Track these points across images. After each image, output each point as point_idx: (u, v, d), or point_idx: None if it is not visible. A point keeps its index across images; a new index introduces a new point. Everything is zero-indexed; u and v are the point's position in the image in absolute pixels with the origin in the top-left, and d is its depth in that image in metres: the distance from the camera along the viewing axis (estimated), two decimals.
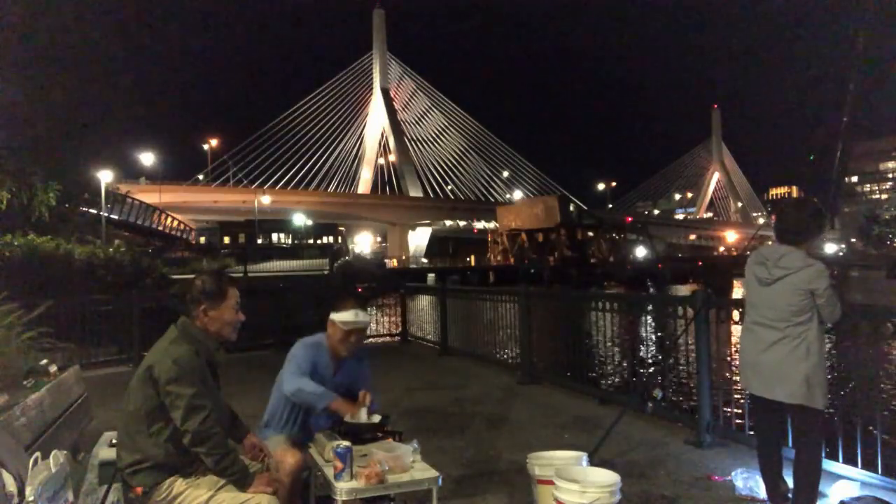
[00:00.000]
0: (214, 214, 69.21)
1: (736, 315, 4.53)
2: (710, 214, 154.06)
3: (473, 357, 8.89)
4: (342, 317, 3.19)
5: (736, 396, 5.07)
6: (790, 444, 3.61)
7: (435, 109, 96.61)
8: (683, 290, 40.48)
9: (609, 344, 6.80)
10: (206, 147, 64.74)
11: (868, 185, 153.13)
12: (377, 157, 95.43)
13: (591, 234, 73.43)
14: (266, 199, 59.66)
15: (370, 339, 11.86)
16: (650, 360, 8.40)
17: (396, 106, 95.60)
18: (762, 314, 3.24)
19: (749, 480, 3.64)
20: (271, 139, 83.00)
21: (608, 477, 2.78)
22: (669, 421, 5.28)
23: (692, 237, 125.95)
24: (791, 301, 3.11)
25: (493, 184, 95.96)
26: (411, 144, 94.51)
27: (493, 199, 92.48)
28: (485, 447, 4.78)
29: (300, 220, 64.52)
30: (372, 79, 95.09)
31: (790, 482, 3.34)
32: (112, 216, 32.12)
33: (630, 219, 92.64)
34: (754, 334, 3.28)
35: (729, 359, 5.29)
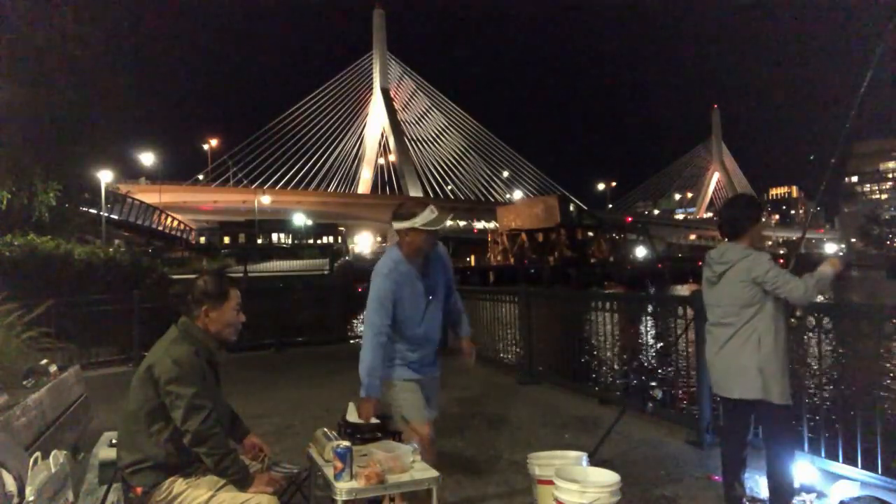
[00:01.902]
0: (214, 214, 69.26)
1: None
2: (710, 214, 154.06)
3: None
4: (423, 219, 2.98)
5: None
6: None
7: (435, 109, 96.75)
8: (683, 290, 40.48)
9: (609, 344, 6.80)
10: (206, 147, 64.80)
11: (868, 185, 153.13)
12: (377, 157, 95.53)
13: (591, 234, 73.41)
14: (266, 199, 59.68)
15: None
16: (650, 361, 8.41)
17: (396, 106, 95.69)
18: (715, 314, 3.26)
19: (749, 480, 3.64)
20: (271, 139, 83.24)
21: (608, 477, 2.78)
22: (669, 421, 5.28)
23: (692, 237, 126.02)
24: (735, 294, 3.11)
25: (493, 184, 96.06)
26: (411, 144, 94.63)
27: (493, 199, 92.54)
28: (485, 447, 4.78)
29: (300, 220, 64.53)
30: (372, 79, 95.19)
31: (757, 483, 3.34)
32: (112, 216, 32.14)
33: (630, 219, 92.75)
34: (712, 335, 3.30)
35: None
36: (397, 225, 3.05)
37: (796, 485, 3.31)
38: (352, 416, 3.12)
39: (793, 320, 3.63)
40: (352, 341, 12.02)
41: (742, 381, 3.12)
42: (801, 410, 4.07)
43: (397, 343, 3.14)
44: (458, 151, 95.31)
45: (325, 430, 3.02)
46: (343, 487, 2.44)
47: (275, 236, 64.79)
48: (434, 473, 2.60)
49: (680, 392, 6.93)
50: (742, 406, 3.21)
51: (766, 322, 3.09)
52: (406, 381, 3.15)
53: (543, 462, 3.18)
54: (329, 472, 2.55)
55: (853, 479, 3.64)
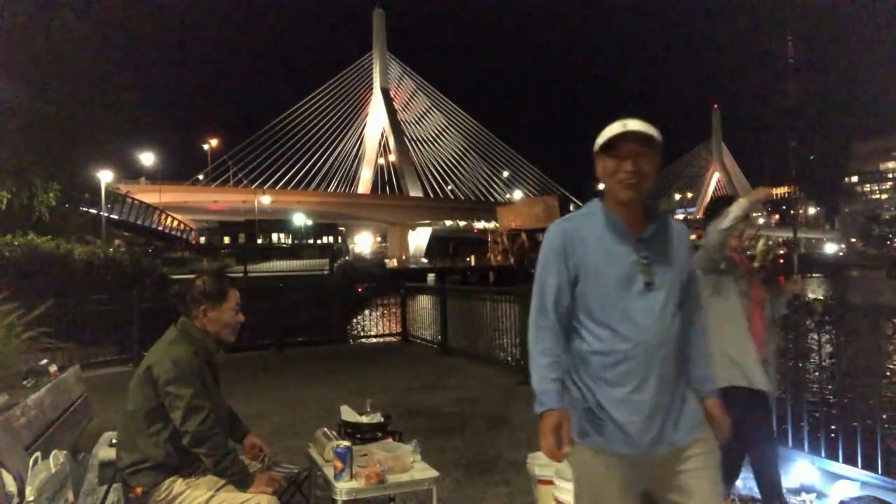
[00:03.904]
0: (214, 214, 69.30)
1: None
2: None
3: (473, 357, 8.89)
4: (604, 134, 1.78)
5: None
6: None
7: (435, 109, 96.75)
8: None
9: None
10: (206, 147, 64.84)
11: (868, 185, 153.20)
12: (377, 157, 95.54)
13: None
14: (266, 199, 59.69)
15: (370, 339, 11.87)
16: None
17: (396, 106, 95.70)
18: None
19: (749, 480, 3.64)
20: (271, 139, 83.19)
21: None
22: None
23: (692, 237, 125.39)
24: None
25: (493, 184, 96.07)
26: (411, 144, 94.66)
27: (493, 199, 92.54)
28: (485, 447, 4.78)
29: (300, 220, 64.55)
30: (372, 79, 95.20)
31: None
32: (112, 216, 32.11)
33: None
34: None
35: None
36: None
37: (796, 484, 3.31)
38: (347, 416, 3.12)
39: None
40: (352, 341, 12.04)
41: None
42: (802, 410, 4.08)
43: (587, 364, 1.80)
44: (458, 151, 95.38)
45: (325, 430, 3.02)
46: (343, 487, 2.44)
47: (275, 236, 64.81)
48: (434, 473, 2.61)
49: None
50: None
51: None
52: (588, 447, 1.77)
53: (543, 462, 3.18)
54: (329, 472, 2.55)
55: (853, 479, 3.65)
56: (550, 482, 2.87)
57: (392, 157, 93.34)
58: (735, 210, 2.75)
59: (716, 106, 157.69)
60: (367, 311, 14.11)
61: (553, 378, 1.76)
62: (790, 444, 3.77)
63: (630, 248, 1.79)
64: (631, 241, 1.79)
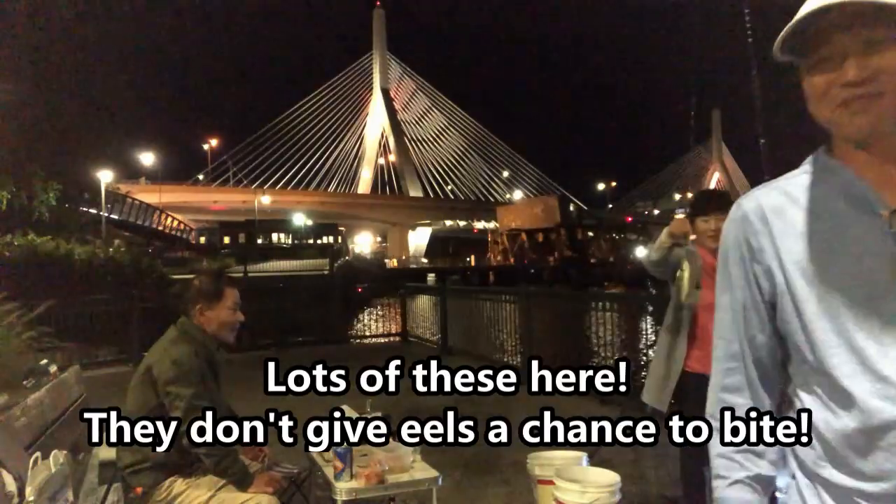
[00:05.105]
0: (214, 214, 69.37)
1: None
2: None
3: (473, 357, 8.88)
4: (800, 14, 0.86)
5: None
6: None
7: (435, 109, 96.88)
8: None
9: (609, 344, 6.80)
10: (206, 147, 64.93)
11: None
12: (377, 157, 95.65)
13: (591, 234, 73.55)
14: (266, 199, 59.81)
15: (370, 339, 11.87)
16: (651, 361, 8.42)
17: (396, 106, 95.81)
18: None
19: None
20: (271, 139, 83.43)
21: (608, 477, 2.78)
22: None
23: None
24: None
25: (493, 184, 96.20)
26: (411, 144, 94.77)
27: (493, 199, 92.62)
28: (485, 447, 4.77)
29: (300, 220, 64.57)
30: (372, 79, 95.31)
31: None
32: (112, 216, 32.14)
33: (630, 219, 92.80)
34: None
35: None
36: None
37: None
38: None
39: None
40: (352, 341, 12.04)
41: None
42: None
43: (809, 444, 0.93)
44: (458, 151, 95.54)
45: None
46: (343, 487, 2.44)
47: (275, 236, 64.79)
48: (434, 473, 2.60)
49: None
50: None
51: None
52: None
53: (543, 462, 3.18)
54: (329, 472, 2.55)
55: None
56: (550, 482, 2.87)
57: (392, 157, 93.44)
58: (661, 239, 2.98)
59: (716, 107, 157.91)
60: (367, 311, 14.12)
61: (733, 480, 0.96)
62: None
63: (878, 227, 0.86)
64: (882, 214, 0.86)
